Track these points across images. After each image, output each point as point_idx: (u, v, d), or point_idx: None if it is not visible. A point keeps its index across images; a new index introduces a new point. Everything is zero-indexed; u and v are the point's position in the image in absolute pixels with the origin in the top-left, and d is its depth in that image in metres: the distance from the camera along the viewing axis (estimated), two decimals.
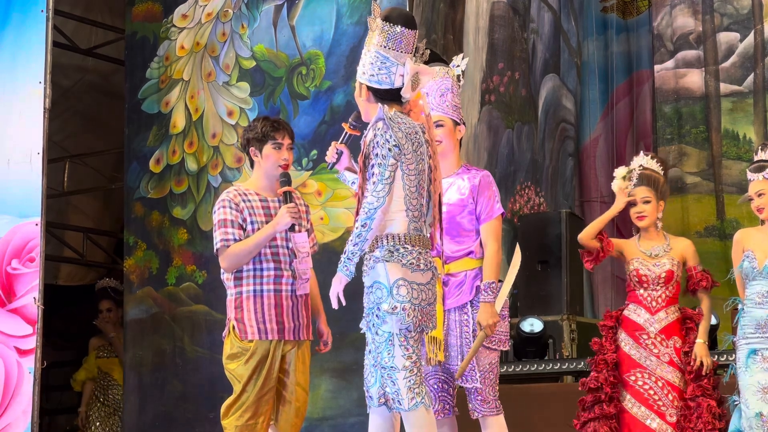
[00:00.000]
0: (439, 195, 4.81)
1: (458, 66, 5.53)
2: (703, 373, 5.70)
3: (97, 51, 10.01)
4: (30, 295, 7.55)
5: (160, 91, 8.66)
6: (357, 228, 4.57)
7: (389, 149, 4.57)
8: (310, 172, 7.91)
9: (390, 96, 4.68)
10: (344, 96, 7.80)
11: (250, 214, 5.38)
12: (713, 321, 6.44)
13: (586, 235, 5.87)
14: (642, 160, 5.94)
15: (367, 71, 4.68)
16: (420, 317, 4.61)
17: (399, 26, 4.64)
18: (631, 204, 5.87)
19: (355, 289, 4.71)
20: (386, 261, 4.58)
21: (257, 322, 5.34)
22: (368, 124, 4.73)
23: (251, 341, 5.33)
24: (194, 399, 8.10)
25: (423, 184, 4.70)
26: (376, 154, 4.58)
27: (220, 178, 8.27)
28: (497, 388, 5.37)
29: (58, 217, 10.20)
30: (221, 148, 8.33)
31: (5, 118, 7.88)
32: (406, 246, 4.61)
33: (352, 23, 7.89)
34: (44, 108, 7.63)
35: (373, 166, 4.58)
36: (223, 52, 8.41)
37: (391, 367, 4.55)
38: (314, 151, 7.90)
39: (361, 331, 4.68)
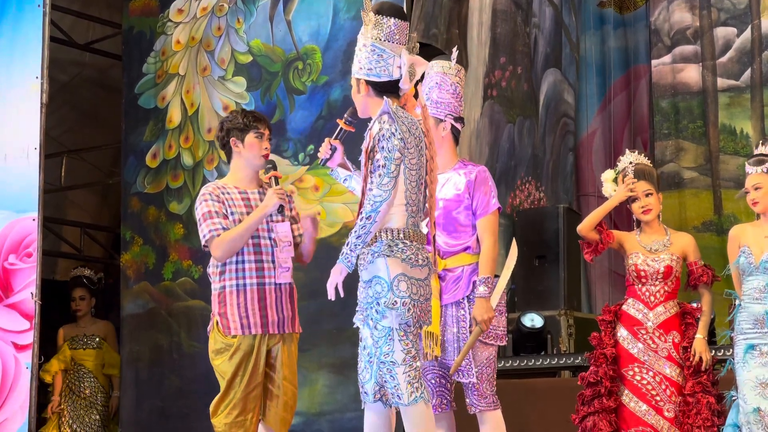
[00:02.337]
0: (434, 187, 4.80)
1: (453, 59, 5.52)
2: (702, 369, 5.69)
3: (94, 46, 10.02)
4: (27, 291, 7.56)
5: (156, 85, 8.65)
6: (362, 220, 4.55)
7: (395, 143, 4.56)
8: (307, 167, 7.91)
9: (388, 88, 4.68)
10: (341, 91, 7.78)
11: (230, 206, 5.39)
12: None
13: (585, 227, 5.85)
14: (631, 157, 5.94)
15: (365, 66, 4.68)
16: (419, 313, 4.61)
17: (392, 18, 4.66)
18: (631, 199, 5.86)
19: (353, 284, 4.69)
20: (386, 256, 4.56)
21: (240, 317, 5.33)
22: (364, 120, 4.72)
23: (234, 336, 5.33)
24: (191, 394, 8.10)
25: (422, 179, 4.69)
26: (382, 147, 4.56)
27: (215, 172, 8.27)
28: (494, 383, 5.37)
29: (56, 212, 10.19)
30: (217, 143, 8.31)
31: (2, 113, 7.88)
32: (404, 241, 4.60)
33: (349, 18, 7.87)
34: (41, 103, 7.62)
35: (378, 159, 4.57)
36: (219, 47, 8.40)
37: (391, 361, 4.54)
38: (311, 146, 7.89)
39: (354, 326, 4.68)
